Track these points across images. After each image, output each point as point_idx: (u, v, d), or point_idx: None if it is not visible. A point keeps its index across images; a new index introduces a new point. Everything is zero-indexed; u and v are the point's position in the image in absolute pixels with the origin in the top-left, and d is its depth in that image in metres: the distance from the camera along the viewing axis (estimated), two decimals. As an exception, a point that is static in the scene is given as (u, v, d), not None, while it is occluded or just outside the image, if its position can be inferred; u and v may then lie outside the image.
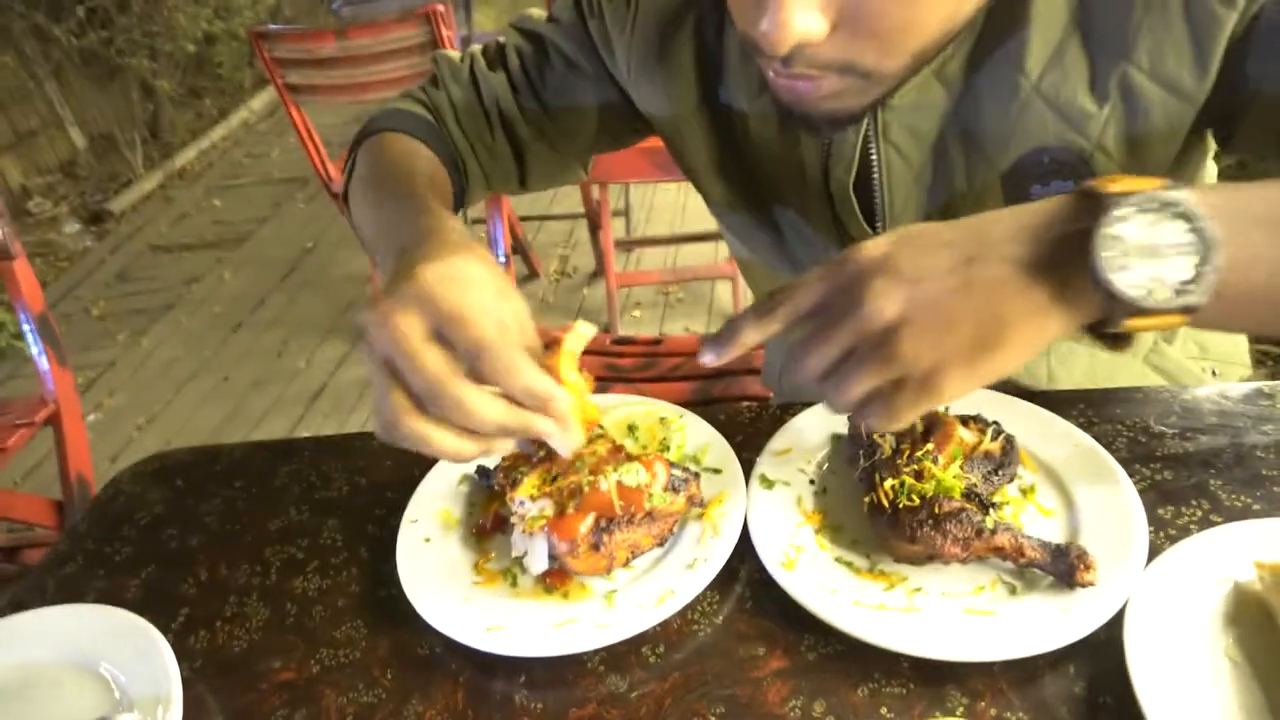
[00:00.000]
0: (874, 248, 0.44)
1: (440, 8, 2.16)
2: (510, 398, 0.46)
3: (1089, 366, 0.74)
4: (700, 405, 0.73)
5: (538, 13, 0.79)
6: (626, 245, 3.13)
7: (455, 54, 0.80)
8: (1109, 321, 0.42)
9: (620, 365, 1.33)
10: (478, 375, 0.45)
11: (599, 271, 2.88)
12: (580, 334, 0.50)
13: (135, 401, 2.71)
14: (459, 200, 0.75)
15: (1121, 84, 0.57)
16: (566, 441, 0.48)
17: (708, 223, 1.39)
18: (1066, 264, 0.42)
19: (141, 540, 0.66)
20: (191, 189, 4.64)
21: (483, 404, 0.44)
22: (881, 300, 0.42)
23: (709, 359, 0.48)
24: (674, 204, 3.40)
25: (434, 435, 0.45)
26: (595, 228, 2.83)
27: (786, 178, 0.69)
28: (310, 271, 3.45)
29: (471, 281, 0.46)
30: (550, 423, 0.47)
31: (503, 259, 2.30)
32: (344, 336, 2.88)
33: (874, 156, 0.64)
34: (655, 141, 0.82)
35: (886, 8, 0.49)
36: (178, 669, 0.51)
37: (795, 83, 0.54)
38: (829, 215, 0.68)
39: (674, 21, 0.69)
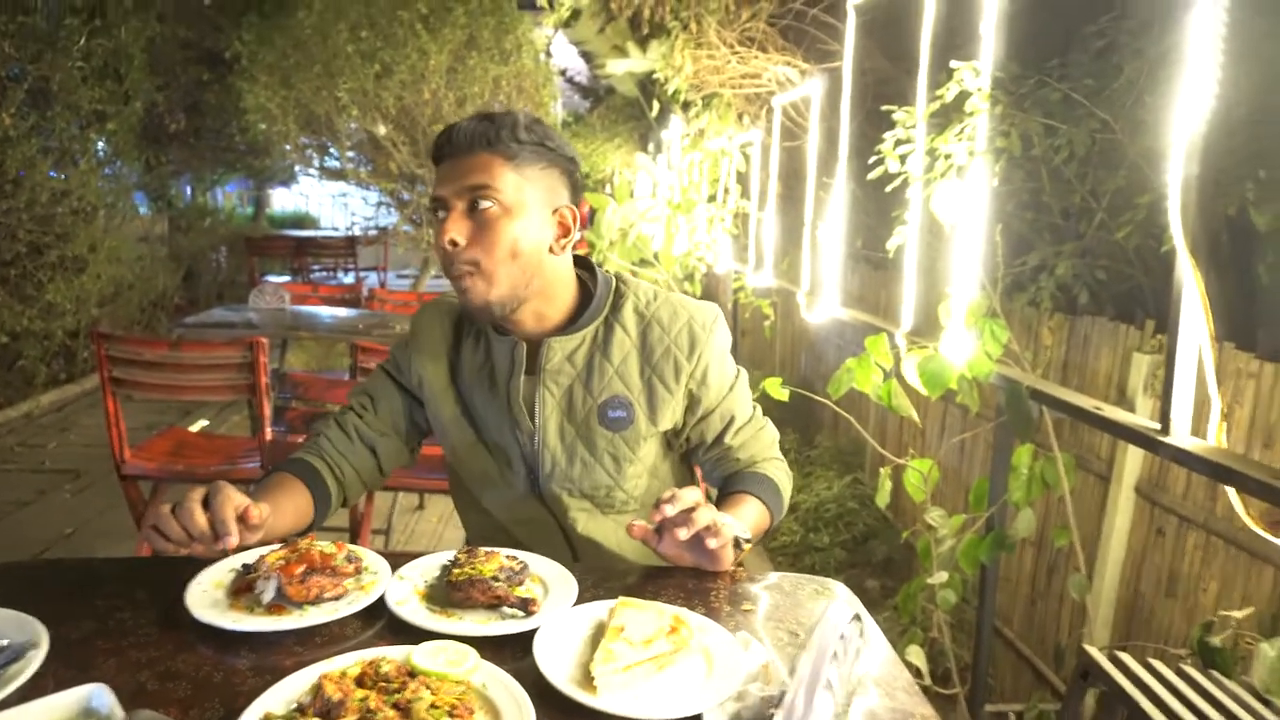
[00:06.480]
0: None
1: (264, 340, 2.77)
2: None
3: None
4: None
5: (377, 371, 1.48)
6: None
7: (334, 409, 1.48)
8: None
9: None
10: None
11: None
12: None
13: None
14: (321, 506, 1.32)
15: (650, 376, 1.30)
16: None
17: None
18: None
19: None
20: (-52, 468, 4.59)
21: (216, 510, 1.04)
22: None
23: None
24: (432, 532, 3.88)
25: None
26: (355, 539, 3.25)
27: (493, 406, 1.34)
28: (65, 554, 3.53)
29: (222, 486, 1.05)
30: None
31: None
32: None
33: (537, 393, 1.30)
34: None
35: (488, 236, 1.20)
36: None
37: (459, 280, 1.22)
38: (510, 418, 1.33)
39: (434, 352, 1.39)
